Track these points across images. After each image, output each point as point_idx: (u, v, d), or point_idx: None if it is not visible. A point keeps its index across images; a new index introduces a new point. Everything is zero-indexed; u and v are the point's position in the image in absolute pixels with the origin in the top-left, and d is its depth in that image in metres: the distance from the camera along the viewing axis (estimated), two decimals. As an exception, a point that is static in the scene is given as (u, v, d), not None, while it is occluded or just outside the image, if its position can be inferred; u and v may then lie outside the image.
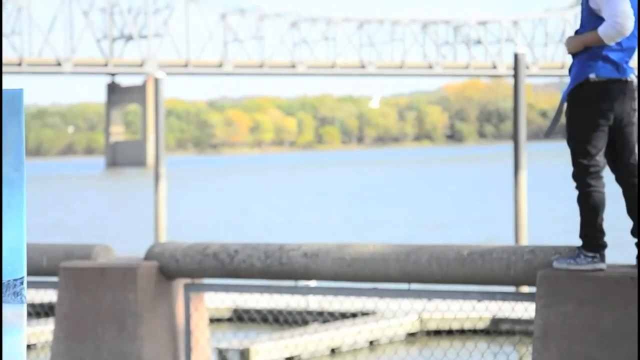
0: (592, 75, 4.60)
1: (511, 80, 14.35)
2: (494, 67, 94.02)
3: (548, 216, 28.60)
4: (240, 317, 12.17)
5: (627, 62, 4.67)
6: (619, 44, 4.60)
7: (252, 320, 11.83)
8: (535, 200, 28.04)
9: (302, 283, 7.08)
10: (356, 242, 5.54)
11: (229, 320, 12.52)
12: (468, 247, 5.10)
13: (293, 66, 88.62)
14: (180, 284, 5.83)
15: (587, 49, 4.62)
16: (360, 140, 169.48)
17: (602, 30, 4.53)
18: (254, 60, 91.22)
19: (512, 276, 4.87)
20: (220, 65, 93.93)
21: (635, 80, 4.71)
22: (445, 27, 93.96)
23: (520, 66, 14.16)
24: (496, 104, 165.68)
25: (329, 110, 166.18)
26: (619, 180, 4.74)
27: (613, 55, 4.61)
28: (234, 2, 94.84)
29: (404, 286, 5.38)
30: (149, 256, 5.80)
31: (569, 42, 4.67)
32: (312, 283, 7.31)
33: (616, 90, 4.62)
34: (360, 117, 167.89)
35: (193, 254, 5.69)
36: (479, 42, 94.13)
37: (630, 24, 4.50)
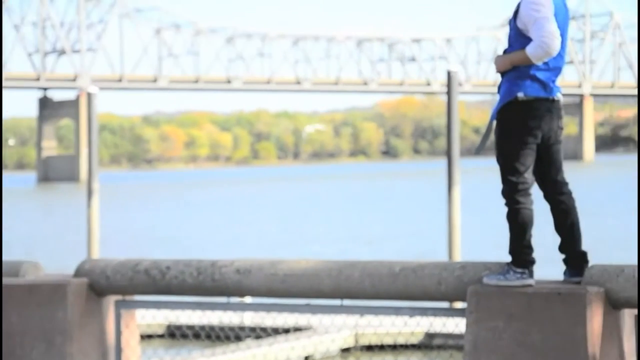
0: (520, 94, 4.68)
1: (445, 98, 14.51)
2: (428, 84, 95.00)
3: (481, 232, 28.92)
4: (173, 334, 12.07)
5: (553, 82, 4.76)
6: (546, 63, 4.68)
7: (185, 336, 11.73)
8: (469, 215, 28.32)
9: (236, 299, 7.05)
10: (289, 258, 5.54)
11: (162, 336, 12.40)
12: (400, 263, 5.13)
13: (229, 82, 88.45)
14: (110, 300, 5.76)
15: (515, 68, 4.70)
16: (296, 155, 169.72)
17: (529, 50, 4.61)
18: (189, 76, 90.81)
19: (443, 292, 4.91)
20: (154, 80, 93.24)
21: (562, 99, 4.80)
22: (380, 44, 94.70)
23: (453, 84, 14.32)
24: (430, 120, 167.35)
25: (265, 126, 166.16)
26: (547, 197, 4.82)
27: (540, 75, 4.69)
28: (169, 17, 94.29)
29: (336, 302, 5.39)
30: (78, 273, 5.72)
31: (497, 61, 4.74)
32: (248, 299, 7.29)
33: (543, 109, 4.70)
34: (296, 133, 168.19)
35: (124, 271, 5.63)
36: (413, 59, 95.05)
37: (557, 44, 4.59)
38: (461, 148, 15.06)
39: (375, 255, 25.08)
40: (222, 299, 5.75)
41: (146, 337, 11.77)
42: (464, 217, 15.62)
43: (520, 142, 4.67)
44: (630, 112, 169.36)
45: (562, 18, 4.69)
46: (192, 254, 26.06)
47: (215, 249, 28.41)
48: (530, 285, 4.63)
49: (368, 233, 32.11)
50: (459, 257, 13.88)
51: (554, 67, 4.70)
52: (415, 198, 51.99)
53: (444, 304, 9.72)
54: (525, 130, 4.67)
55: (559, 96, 4.76)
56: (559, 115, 4.74)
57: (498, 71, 4.75)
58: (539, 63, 4.64)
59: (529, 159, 4.69)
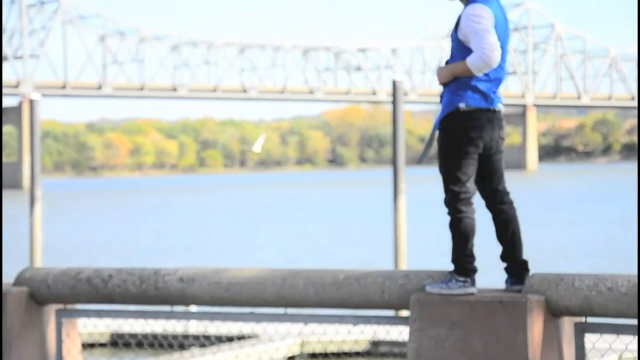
0: (461, 105, 4.73)
1: (390, 107, 14.58)
2: (374, 93, 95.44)
3: (427, 240, 29.10)
4: (116, 342, 11.95)
5: (494, 92, 4.81)
6: (486, 74, 4.74)
7: (128, 345, 11.63)
8: (415, 224, 28.49)
9: (180, 308, 7.01)
10: (233, 267, 5.52)
11: (104, 345, 12.27)
12: (344, 271, 5.14)
13: (174, 89, 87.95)
14: (51, 309, 5.68)
15: (456, 79, 4.74)
16: (242, 164, 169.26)
17: (470, 61, 4.66)
18: (134, 83, 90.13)
19: (387, 300, 4.93)
20: (99, 87, 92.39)
21: (503, 110, 4.86)
22: (326, 53, 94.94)
23: (399, 93, 14.40)
24: (376, 129, 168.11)
25: (211, 134, 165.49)
26: (488, 206, 4.87)
27: (481, 86, 4.75)
28: (113, 24, 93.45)
29: (281, 310, 5.38)
30: (18, 281, 5.64)
31: (439, 73, 4.79)
32: (193, 308, 7.24)
33: (484, 119, 4.75)
34: (243, 141, 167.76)
35: (65, 279, 5.56)
36: (359, 68, 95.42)
37: (497, 56, 4.65)
38: (407, 157, 15.13)
39: (321, 264, 25.09)
40: (166, 308, 5.71)
41: (88, 346, 11.63)
42: (410, 225, 15.71)
43: (461, 152, 4.72)
44: (572, 122, 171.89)
45: (503, 30, 4.75)
46: (136, 262, 25.84)
47: (159, 257, 28.21)
48: (472, 294, 4.67)
49: (314, 241, 32.12)
50: (404, 265, 13.95)
51: (495, 78, 4.76)
52: (361, 206, 52.16)
53: (388, 312, 9.76)
54: (467, 140, 4.71)
55: (500, 107, 4.82)
56: (500, 126, 4.80)
57: (440, 83, 4.80)
58: (480, 74, 4.70)
59: (470, 169, 4.73)
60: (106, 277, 5.54)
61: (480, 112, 4.73)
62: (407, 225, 14.18)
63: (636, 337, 4.51)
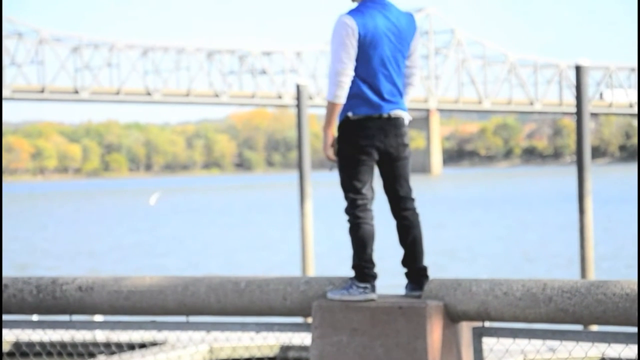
0: (349, 114, 4.77)
1: (296, 110, 14.59)
2: (280, 97, 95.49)
3: (334, 244, 29.23)
4: (23, 352, 11.66)
5: (386, 100, 4.80)
6: (371, 86, 4.76)
7: (38, 355, 11.37)
8: (322, 227, 28.60)
9: (80, 317, 6.87)
10: (133, 275, 5.44)
11: (11, 355, 11.97)
12: (245, 278, 5.12)
13: (76, 92, 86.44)
14: (-56, 321, 5.51)
15: (350, 88, 4.79)
16: (148, 167, 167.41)
17: (327, 97, 4.78)
18: (34, 85, 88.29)
19: (288, 307, 4.93)
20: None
21: (402, 117, 4.87)
22: (231, 56, 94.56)
23: (303, 97, 14.43)
24: (283, 132, 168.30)
25: (115, 137, 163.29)
26: (392, 212, 4.90)
27: (369, 94, 4.77)
28: (10, 25, 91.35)
29: (182, 318, 5.33)
30: None
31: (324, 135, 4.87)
32: (98, 317, 7.11)
33: (374, 127, 4.77)
34: (148, 145, 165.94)
35: (-41, 290, 5.40)
36: (264, 72, 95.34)
37: (343, 79, 4.71)
38: (314, 161, 15.18)
39: (227, 269, 24.97)
40: (65, 317, 5.60)
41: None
42: (317, 229, 15.76)
43: (354, 160, 4.75)
44: (474, 126, 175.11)
45: (380, 37, 4.75)
46: (33, 270, 25.30)
47: (58, 264, 27.67)
48: (372, 300, 4.70)
49: (219, 246, 31.96)
50: (312, 269, 13.98)
51: (383, 86, 4.78)
52: (268, 211, 52.10)
53: (293, 319, 9.76)
54: (358, 148, 4.75)
55: (396, 113, 4.82)
56: (396, 133, 4.80)
57: (328, 148, 4.83)
58: (339, 99, 4.73)
59: (365, 176, 4.76)
60: (2, 286, 5.40)
61: (370, 120, 4.76)
62: (314, 230, 14.22)
63: (531, 340, 4.60)
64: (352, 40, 4.68)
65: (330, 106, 4.75)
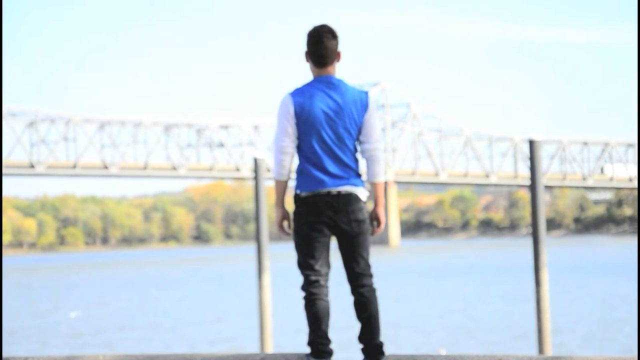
0: (298, 191, 4.79)
1: (254, 183, 14.59)
2: (237, 169, 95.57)
3: (293, 316, 29.00)
4: None
5: (331, 176, 4.77)
6: (314, 163, 4.77)
7: None
8: (281, 300, 28.38)
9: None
10: (86, 353, 5.34)
11: None
12: (200, 355, 5.04)
13: (32, 166, 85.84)
14: None
15: (297, 166, 4.84)
16: (105, 241, 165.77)
17: (272, 173, 4.85)
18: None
19: (243, 384, 4.85)
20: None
21: (354, 192, 4.82)
22: (188, 130, 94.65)
23: (260, 170, 14.44)
24: (241, 205, 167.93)
25: (72, 211, 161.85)
26: (350, 288, 4.87)
27: (314, 170, 4.77)
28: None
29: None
30: None
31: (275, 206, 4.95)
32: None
33: (322, 204, 4.75)
34: (105, 218, 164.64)
35: None
36: (221, 145, 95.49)
37: (282, 157, 4.78)
38: (272, 233, 15.07)
39: (184, 344, 24.63)
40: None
41: None
42: (275, 303, 15.62)
43: (305, 237, 4.73)
44: (432, 198, 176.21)
45: (315, 115, 4.76)
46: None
47: (11, 340, 27.12)
48: (328, 376, 4.64)
49: (175, 320, 31.55)
50: (270, 344, 13.82)
51: (326, 163, 4.77)
52: (226, 283, 51.71)
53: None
54: (307, 225, 4.74)
55: (345, 189, 4.78)
56: (347, 210, 4.76)
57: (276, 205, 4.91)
58: (281, 175, 4.79)
59: (317, 252, 4.73)
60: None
61: (317, 197, 4.75)
62: (272, 302, 14.09)
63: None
64: (289, 119, 4.73)
65: (275, 183, 4.78)
